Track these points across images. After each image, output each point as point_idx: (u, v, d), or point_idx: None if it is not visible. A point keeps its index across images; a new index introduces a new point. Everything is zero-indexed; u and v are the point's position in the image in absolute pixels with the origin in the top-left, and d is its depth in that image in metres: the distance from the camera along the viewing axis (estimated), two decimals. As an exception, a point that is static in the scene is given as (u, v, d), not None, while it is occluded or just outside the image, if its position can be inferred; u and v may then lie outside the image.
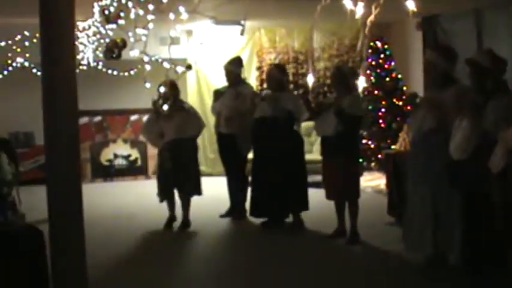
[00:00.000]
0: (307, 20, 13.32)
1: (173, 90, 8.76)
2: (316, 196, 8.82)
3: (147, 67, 8.19)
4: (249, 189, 9.06)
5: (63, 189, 4.97)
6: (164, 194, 8.80)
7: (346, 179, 7.83)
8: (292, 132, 8.63)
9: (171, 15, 7.36)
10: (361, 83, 8.51)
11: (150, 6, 7.28)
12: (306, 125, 10.65)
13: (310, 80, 9.14)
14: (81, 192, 5.14)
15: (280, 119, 8.49)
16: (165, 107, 8.51)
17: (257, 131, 8.78)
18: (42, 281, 5.27)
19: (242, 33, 12.22)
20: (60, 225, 5.03)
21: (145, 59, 8.02)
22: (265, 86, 13.67)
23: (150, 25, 7.52)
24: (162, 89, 8.67)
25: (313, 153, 11.38)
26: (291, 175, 8.53)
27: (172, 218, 8.83)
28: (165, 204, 8.78)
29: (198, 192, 8.88)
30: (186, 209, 8.78)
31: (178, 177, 8.63)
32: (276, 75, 8.86)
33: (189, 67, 8.83)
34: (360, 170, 8.23)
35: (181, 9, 7.38)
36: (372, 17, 4.75)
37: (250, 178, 9.30)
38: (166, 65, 8.13)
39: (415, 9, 4.72)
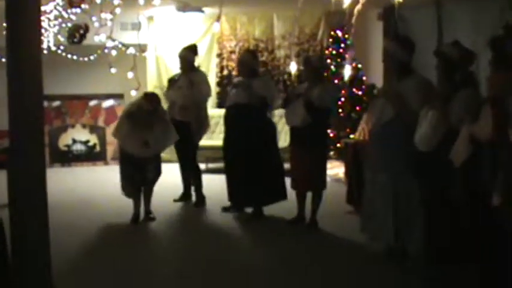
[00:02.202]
0: (268, 8, 13.34)
1: (156, 103, 8.41)
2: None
3: (113, 52, 8.09)
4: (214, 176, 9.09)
5: (28, 174, 4.94)
6: (130, 193, 8.58)
7: (313, 170, 7.88)
8: (266, 119, 8.56)
9: (141, 1, 7.29)
10: (347, 71, 8.50)
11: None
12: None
13: (293, 67, 8.98)
14: (45, 176, 5.11)
15: (254, 106, 8.43)
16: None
17: (230, 119, 8.70)
18: (2, 268, 5.24)
19: (218, 19, 12.18)
20: (23, 210, 5.00)
21: (110, 44, 7.95)
22: (225, 73, 13.70)
23: (117, 10, 7.46)
24: (145, 104, 8.31)
25: (280, 140, 11.38)
26: (266, 163, 8.47)
27: (137, 215, 8.53)
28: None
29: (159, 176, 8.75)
30: (149, 201, 8.66)
31: (146, 176, 8.44)
32: (248, 60, 8.77)
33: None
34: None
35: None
36: (359, 6, 4.77)
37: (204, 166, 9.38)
38: (132, 50, 8.04)
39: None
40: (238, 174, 8.59)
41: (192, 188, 9.66)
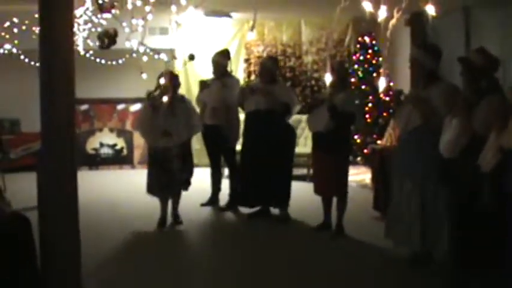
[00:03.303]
0: (296, 14, 13.37)
1: (174, 81, 8.32)
2: (303, 189, 8.87)
3: (144, 58, 8.14)
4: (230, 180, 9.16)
5: (59, 177, 4.99)
6: (156, 194, 8.46)
7: (336, 175, 7.87)
8: (286, 125, 8.61)
9: (173, 8, 7.32)
10: (382, 83, 8.45)
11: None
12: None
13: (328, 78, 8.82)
14: (76, 180, 5.16)
15: (275, 112, 8.46)
16: (165, 99, 8.02)
17: (250, 124, 8.76)
18: (31, 269, 5.29)
19: (252, 29, 12.24)
20: (53, 213, 5.05)
21: (141, 49, 7.99)
22: (252, 78, 13.72)
23: (149, 16, 7.50)
24: (162, 80, 8.10)
25: (299, 146, 11.42)
26: (280, 169, 8.54)
27: (164, 219, 8.44)
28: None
29: (188, 185, 8.57)
30: (177, 205, 8.54)
31: (173, 176, 8.25)
32: (270, 66, 8.83)
33: (191, 58, 8.85)
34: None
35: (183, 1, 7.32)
36: (393, 21, 4.75)
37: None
38: (164, 56, 8.07)
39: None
40: (252, 176, 8.68)
41: (220, 192, 9.72)
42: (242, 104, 8.89)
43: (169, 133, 8.10)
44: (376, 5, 4.77)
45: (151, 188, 8.38)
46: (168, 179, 8.23)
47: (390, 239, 6.84)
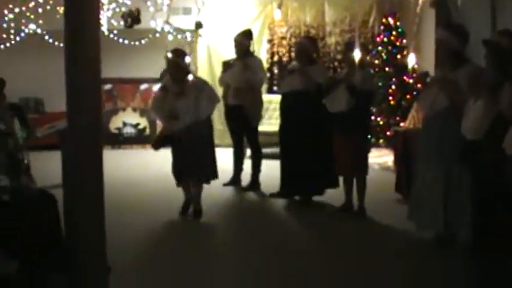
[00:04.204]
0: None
1: (181, 58, 7.88)
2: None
3: (170, 37, 8.11)
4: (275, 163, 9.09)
5: (83, 156, 5.02)
6: (176, 177, 8.10)
7: (356, 155, 7.85)
8: (321, 107, 8.38)
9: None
10: (411, 60, 8.33)
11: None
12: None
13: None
14: (102, 159, 5.19)
15: (310, 93, 8.34)
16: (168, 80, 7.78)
17: (286, 105, 8.67)
18: (57, 246, 5.35)
19: (279, 6, 12.20)
20: (78, 191, 5.08)
21: (167, 28, 7.98)
22: (275, 58, 13.71)
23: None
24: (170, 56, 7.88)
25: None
26: (320, 150, 8.38)
27: (187, 203, 8.18)
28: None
29: (215, 175, 8.23)
30: (196, 192, 8.10)
31: (193, 163, 7.85)
32: (306, 46, 8.75)
33: (199, 26, 8.74)
34: (369, 146, 8.20)
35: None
36: (420, 1, 4.70)
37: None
38: (187, 35, 8.05)
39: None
40: (292, 162, 8.57)
41: (242, 173, 9.74)
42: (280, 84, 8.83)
43: (175, 116, 7.78)
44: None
45: (172, 171, 8.14)
46: (181, 164, 7.94)
47: (413, 222, 6.82)
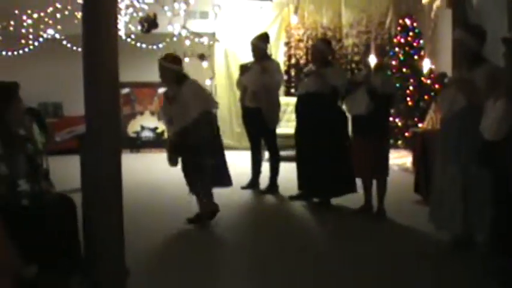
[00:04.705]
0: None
1: (172, 63, 7.62)
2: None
3: (187, 42, 8.10)
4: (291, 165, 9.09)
5: (102, 160, 5.04)
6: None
7: (376, 157, 7.83)
8: (336, 108, 8.49)
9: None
10: (426, 64, 8.26)
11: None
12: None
13: (373, 60, 8.37)
14: (120, 163, 5.21)
15: (325, 95, 8.36)
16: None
17: (301, 107, 8.68)
18: (76, 250, 5.38)
19: (296, 11, 12.24)
20: (97, 195, 5.11)
21: (184, 33, 8.00)
22: (293, 61, 13.71)
23: (191, 0, 7.51)
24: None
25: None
26: (336, 152, 8.40)
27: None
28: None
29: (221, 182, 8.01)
30: (199, 199, 7.85)
31: (185, 165, 7.68)
32: (322, 49, 8.71)
33: (201, 57, 8.68)
34: (388, 148, 8.19)
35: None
36: (437, 3, 4.69)
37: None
38: (205, 39, 8.06)
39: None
40: (309, 164, 8.58)
41: (260, 175, 9.75)
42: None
43: (171, 121, 7.65)
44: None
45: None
46: (182, 165, 7.77)
47: (433, 223, 6.79)
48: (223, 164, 8.00)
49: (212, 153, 7.66)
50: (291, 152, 9.46)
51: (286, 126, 11.94)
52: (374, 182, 8.02)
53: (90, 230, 5.30)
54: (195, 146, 7.47)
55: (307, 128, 8.56)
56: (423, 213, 7.03)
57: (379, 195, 7.95)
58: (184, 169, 7.73)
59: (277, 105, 9.54)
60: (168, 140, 8.03)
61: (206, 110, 7.57)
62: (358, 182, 8.23)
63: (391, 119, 12.12)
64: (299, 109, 8.73)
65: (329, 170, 8.37)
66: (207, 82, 8.59)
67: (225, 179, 8.04)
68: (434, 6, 4.85)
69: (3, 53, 12.85)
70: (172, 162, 7.71)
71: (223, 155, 8.01)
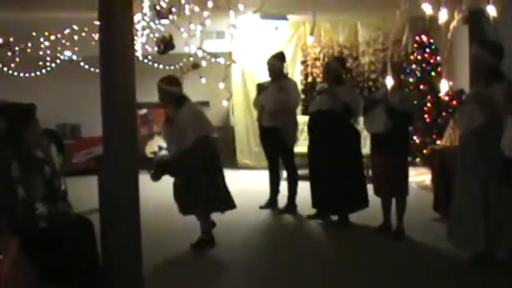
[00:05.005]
0: (352, 14, 13.30)
1: (169, 85, 7.53)
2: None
3: (203, 63, 8.09)
4: (305, 183, 9.07)
5: (120, 180, 5.05)
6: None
7: (395, 176, 7.79)
8: (349, 126, 8.53)
9: (231, 12, 7.33)
10: (444, 86, 8.20)
11: (209, 3, 7.29)
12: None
13: (389, 81, 8.23)
14: (138, 184, 5.22)
15: (337, 113, 8.38)
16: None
17: (314, 125, 8.70)
18: (94, 270, 5.39)
19: (311, 33, 12.25)
20: (115, 216, 5.12)
21: (200, 53, 8.00)
22: (309, 80, 13.70)
23: (208, 21, 7.52)
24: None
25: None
26: (349, 170, 8.44)
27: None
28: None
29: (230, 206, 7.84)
30: (204, 226, 7.76)
31: (182, 195, 7.67)
32: (335, 68, 8.73)
33: (195, 66, 8.66)
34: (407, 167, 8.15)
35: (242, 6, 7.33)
36: (454, 23, 4.68)
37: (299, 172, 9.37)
38: (221, 60, 8.06)
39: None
40: (321, 182, 8.58)
41: (279, 195, 9.72)
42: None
43: (170, 144, 7.62)
44: (436, 6, 4.70)
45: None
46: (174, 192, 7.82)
47: (451, 241, 6.74)
48: (223, 188, 7.79)
49: (208, 178, 7.51)
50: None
51: (304, 145, 11.88)
52: (393, 200, 7.97)
53: (108, 250, 5.31)
54: (189, 170, 7.44)
55: (320, 146, 8.57)
56: (442, 231, 6.97)
57: (398, 214, 7.90)
58: (175, 191, 7.74)
59: (294, 124, 9.52)
60: (154, 158, 7.94)
61: (202, 135, 7.50)
62: (376, 199, 8.17)
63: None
64: (312, 127, 8.74)
65: (342, 187, 8.38)
66: (224, 103, 8.55)
67: (225, 204, 7.79)
68: (451, 26, 4.83)
69: (21, 74, 12.92)
70: (155, 178, 7.71)
71: (222, 180, 7.79)
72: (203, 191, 7.47)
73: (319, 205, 8.78)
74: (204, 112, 7.97)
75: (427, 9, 4.62)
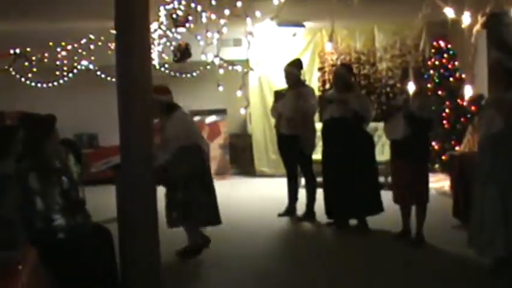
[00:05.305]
0: (369, 20, 13.25)
1: (159, 94, 7.18)
2: (382, 197, 8.77)
3: (221, 71, 8.07)
4: (319, 190, 9.07)
5: (138, 189, 5.05)
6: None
7: (416, 183, 7.74)
8: (361, 132, 8.56)
9: (248, 20, 7.31)
10: (468, 91, 8.13)
11: (226, 11, 7.28)
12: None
13: (411, 87, 8.12)
14: (156, 192, 5.21)
15: (348, 120, 8.41)
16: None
17: (326, 132, 8.73)
18: (113, 279, 5.39)
19: (330, 39, 12.24)
20: (133, 225, 5.12)
21: (217, 61, 7.99)
22: (327, 87, 13.66)
23: (224, 29, 7.51)
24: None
25: (376, 154, 11.19)
26: (362, 175, 8.45)
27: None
28: (227, 203, 8.61)
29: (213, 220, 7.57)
30: (190, 236, 7.56)
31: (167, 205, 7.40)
32: (343, 75, 8.77)
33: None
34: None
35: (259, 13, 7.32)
36: (478, 27, 4.62)
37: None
38: (239, 68, 8.05)
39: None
40: (335, 188, 8.60)
41: (297, 202, 9.69)
42: (321, 113, 8.84)
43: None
44: (459, 10, 4.63)
45: None
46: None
47: (473, 248, 6.68)
48: (206, 203, 7.48)
49: (186, 189, 7.28)
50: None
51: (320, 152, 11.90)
52: (412, 206, 7.92)
53: (127, 259, 5.30)
54: (170, 182, 7.31)
55: (334, 152, 8.60)
56: (462, 238, 6.92)
57: (418, 221, 7.84)
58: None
59: (312, 131, 9.49)
60: None
61: (184, 146, 7.29)
62: (395, 204, 8.13)
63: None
64: (325, 134, 8.77)
65: (354, 193, 8.39)
66: (242, 111, 8.54)
67: (206, 220, 7.54)
68: (474, 30, 4.77)
69: (39, 84, 12.97)
70: None
71: (207, 193, 7.54)
72: (178, 203, 7.29)
73: (335, 211, 8.78)
74: (193, 122, 7.93)
75: (450, 13, 4.54)
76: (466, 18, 4.55)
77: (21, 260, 4.26)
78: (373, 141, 8.71)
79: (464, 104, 11.15)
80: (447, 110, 12.65)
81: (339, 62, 13.69)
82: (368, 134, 8.69)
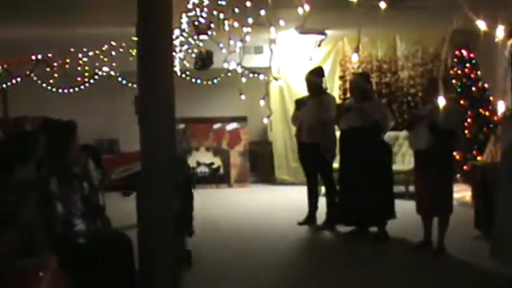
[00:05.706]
0: (390, 29, 13.20)
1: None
2: (402, 207, 8.73)
3: (243, 79, 8.07)
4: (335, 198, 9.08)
5: (158, 196, 5.04)
6: None
7: (439, 194, 7.70)
8: (379, 142, 8.55)
9: (272, 29, 7.31)
10: (501, 106, 8.07)
11: (249, 20, 7.28)
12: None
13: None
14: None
15: (367, 129, 8.40)
16: None
17: (345, 141, 8.73)
18: (132, 286, 5.38)
19: (357, 50, 12.20)
20: (153, 231, 5.11)
21: (239, 70, 7.99)
22: (348, 95, 13.61)
23: (247, 37, 7.51)
24: None
25: (396, 163, 11.17)
26: (378, 184, 8.43)
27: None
28: (247, 211, 8.62)
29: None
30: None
31: None
32: (361, 83, 8.76)
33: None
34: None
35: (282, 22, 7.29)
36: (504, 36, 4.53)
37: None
38: (262, 76, 8.04)
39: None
40: (350, 196, 8.60)
41: (317, 211, 9.65)
42: (338, 122, 8.82)
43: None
44: (491, 22, 4.55)
45: None
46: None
47: (495, 259, 6.61)
48: (180, 213, 7.02)
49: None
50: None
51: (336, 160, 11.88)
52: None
53: (146, 266, 5.29)
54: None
55: (351, 162, 8.60)
56: (484, 249, 6.85)
57: (440, 231, 7.78)
58: None
59: (333, 139, 9.45)
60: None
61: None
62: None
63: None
64: (343, 143, 8.80)
65: (370, 200, 8.37)
66: (265, 120, 8.54)
67: (184, 228, 7.45)
68: (509, 43, 4.70)
69: (60, 90, 13.04)
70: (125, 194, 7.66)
71: (188, 203, 7.62)
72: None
73: (349, 218, 8.80)
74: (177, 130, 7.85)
75: (482, 26, 4.45)
76: (500, 32, 4.47)
77: (42, 267, 4.25)
78: (391, 150, 8.70)
79: (496, 119, 11.11)
80: (469, 120, 12.55)
81: (360, 71, 13.66)
82: (386, 143, 8.66)
